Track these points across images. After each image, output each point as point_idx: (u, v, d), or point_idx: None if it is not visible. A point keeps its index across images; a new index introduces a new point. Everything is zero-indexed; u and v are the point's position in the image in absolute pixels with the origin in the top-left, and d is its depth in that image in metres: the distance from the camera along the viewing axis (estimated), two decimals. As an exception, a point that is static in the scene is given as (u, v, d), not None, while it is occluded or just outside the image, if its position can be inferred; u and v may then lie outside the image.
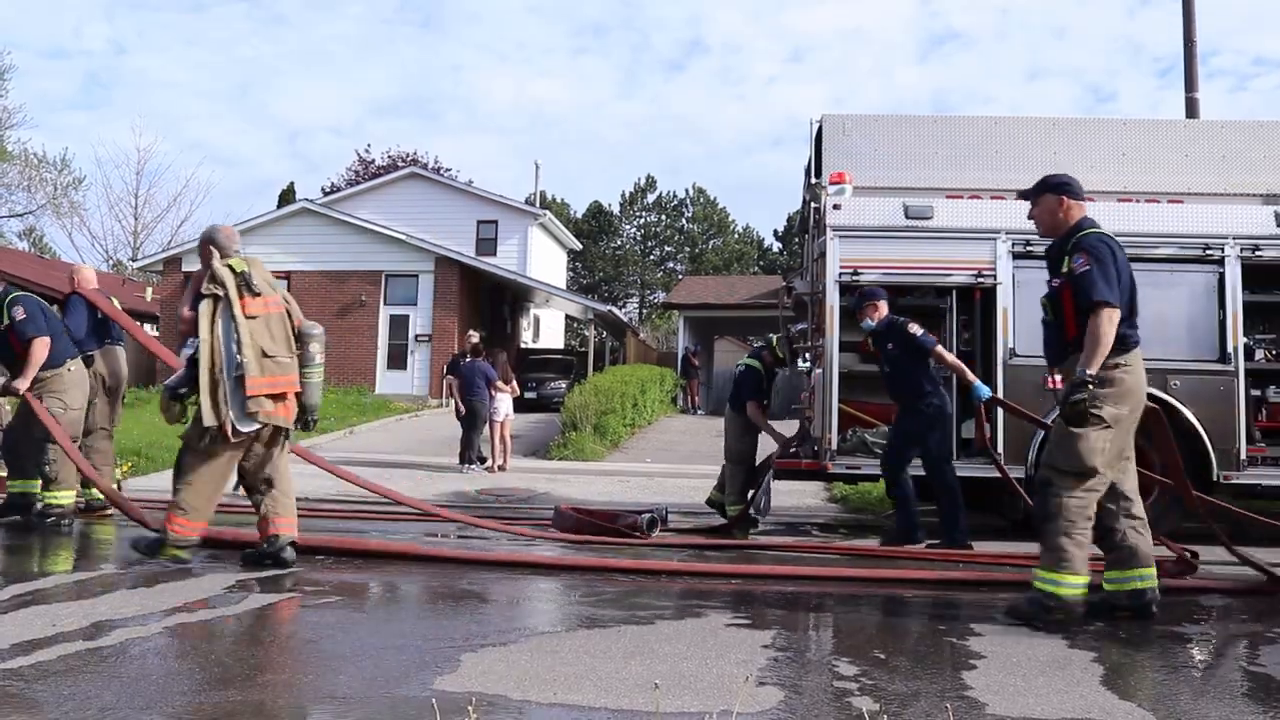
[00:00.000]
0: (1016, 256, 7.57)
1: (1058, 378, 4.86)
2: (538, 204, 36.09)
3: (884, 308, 7.15)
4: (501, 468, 12.56)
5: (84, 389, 7.09)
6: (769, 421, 8.19)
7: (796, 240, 13.37)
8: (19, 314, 6.83)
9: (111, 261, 40.68)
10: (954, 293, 7.71)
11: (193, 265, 24.42)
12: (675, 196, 63.62)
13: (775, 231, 61.05)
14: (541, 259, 31.82)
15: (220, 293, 5.32)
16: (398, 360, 24.12)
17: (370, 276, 24.13)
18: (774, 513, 8.77)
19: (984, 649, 3.97)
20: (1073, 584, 4.38)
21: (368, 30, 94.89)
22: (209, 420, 5.21)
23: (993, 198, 7.86)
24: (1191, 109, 12.73)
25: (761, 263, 59.42)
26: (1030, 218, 4.92)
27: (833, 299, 7.68)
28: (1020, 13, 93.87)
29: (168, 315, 24.36)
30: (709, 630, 4.20)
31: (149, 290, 28.10)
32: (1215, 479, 7.25)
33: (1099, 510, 4.56)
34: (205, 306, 5.32)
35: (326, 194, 37.07)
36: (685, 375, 27.38)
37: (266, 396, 5.34)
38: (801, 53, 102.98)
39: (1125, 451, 4.58)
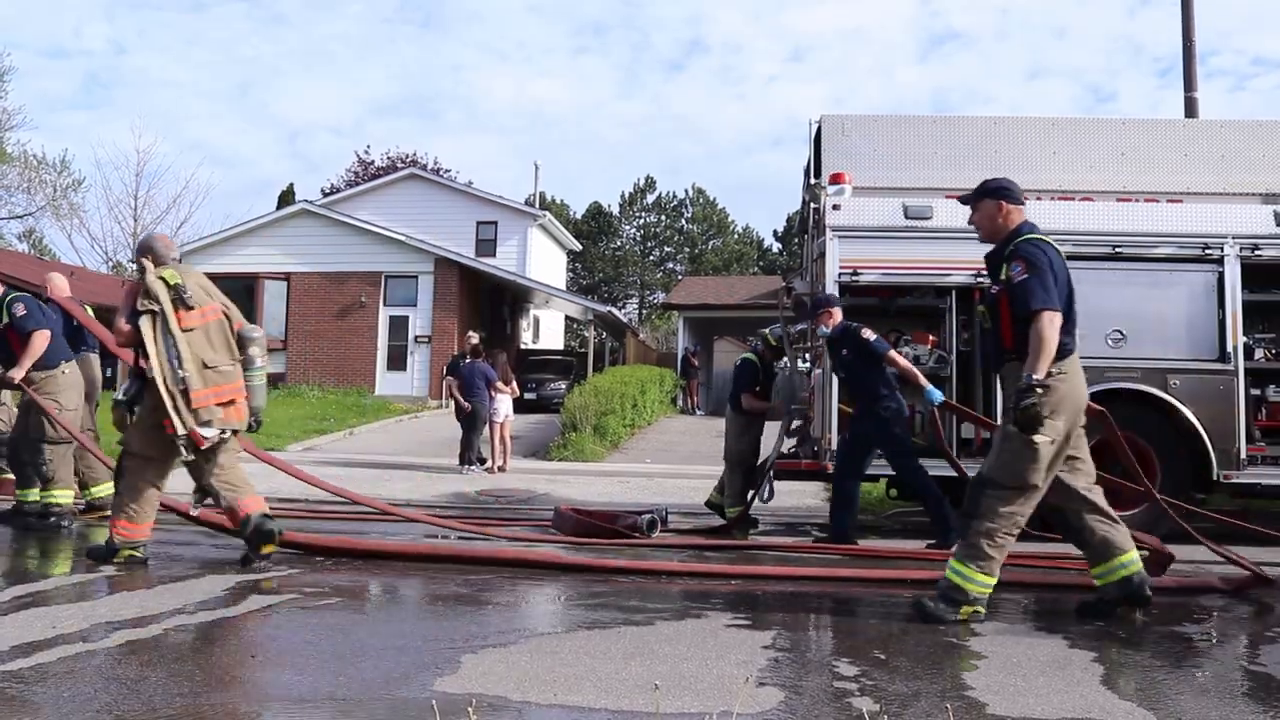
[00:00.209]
0: (1016, 256, 7.55)
1: None
2: (537, 205, 36.10)
3: (838, 314, 7.29)
4: (501, 468, 12.56)
5: (79, 390, 7.14)
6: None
7: (796, 241, 13.38)
8: (19, 310, 6.89)
9: (111, 263, 40.66)
10: (953, 293, 7.71)
11: (193, 267, 24.43)
12: (675, 197, 63.68)
13: (775, 232, 61.13)
14: (541, 260, 31.83)
15: (156, 308, 5.39)
16: (397, 361, 24.12)
17: (370, 277, 24.14)
18: (774, 513, 8.77)
19: (984, 649, 3.97)
20: (982, 583, 4.41)
21: (368, 30, 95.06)
22: (180, 430, 5.31)
23: (992, 198, 7.85)
24: (1191, 109, 12.74)
25: (761, 263, 59.45)
26: (970, 223, 4.92)
27: (832, 299, 7.67)
28: (1020, 12, 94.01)
29: (167, 317, 24.37)
30: (709, 631, 4.20)
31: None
32: (1215, 478, 7.25)
33: (1066, 514, 4.59)
34: (146, 323, 5.40)
35: (326, 195, 37.08)
36: (685, 376, 27.38)
37: (215, 404, 5.43)
38: (802, 52, 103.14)
39: (1071, 452, 4.56)
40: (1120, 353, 7.41)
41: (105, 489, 7.23)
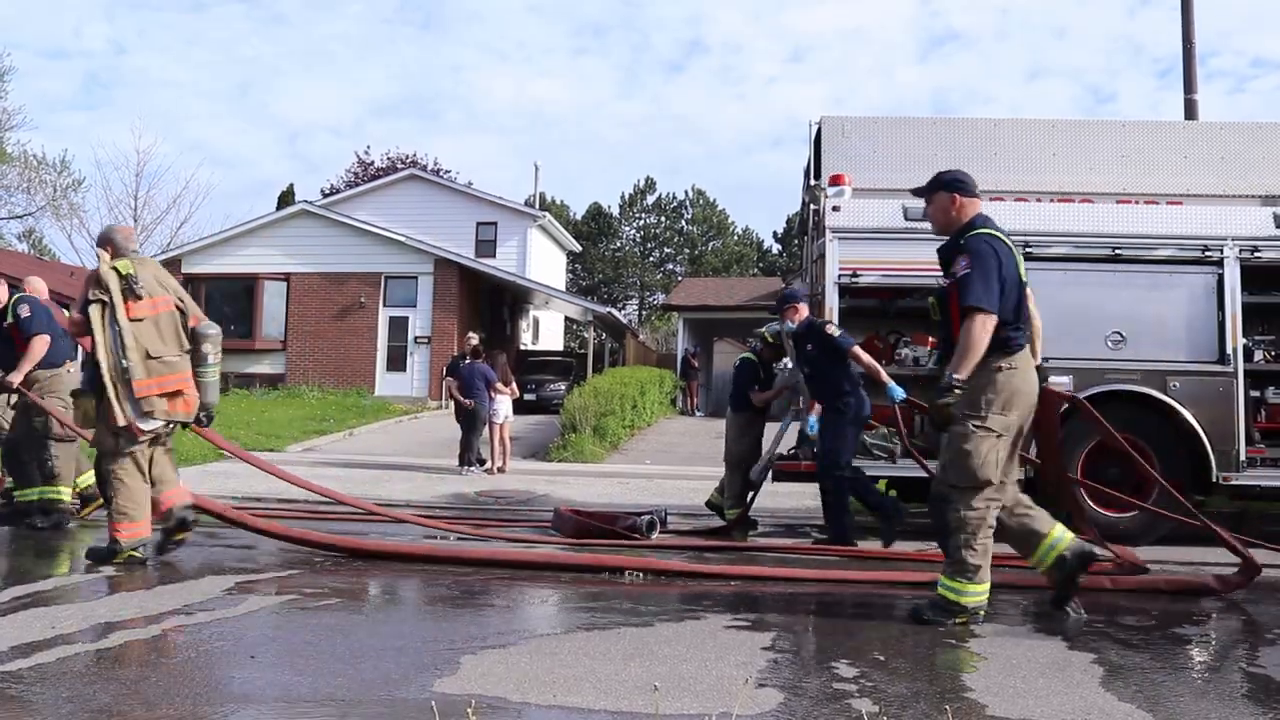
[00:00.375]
0: (1016, 258, 7.56)
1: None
2: (537, 205, 36.10)
3: (804, 310, 7.40)
4: (501, 469, 12.56)
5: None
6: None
7: (796, 242, 13.36)
8: (24, 311, 6.98)
9: (111, 263, 40.65)
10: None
11: (193, 267, 24.47)
12: (675, 198, 63.70)
13: (775, 233, 61.13)
14: (541, 261, 31.83)
15: (105, 298, 5.44)
16: (397, 362, 24.12)
17: (370, 278, 24.14)
18: (773, 515, 8.78)
19: (984, 650, 3.97)
20: (975, 592, 4.39)
21: (368, 30, 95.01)
22: (119, 420, 5.36)
23: (992, 199, 7.83)
24: (1191, 110, 12.74)
25: (761, 264, 59.46)
26: (924, 216, 4.91)
27: (832, 301, 7.67)
28: (1020, 13, 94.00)
29: (167, 317, 24.37)
30: (708, 632, 4.20)
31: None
32: (1215, 480, 7.24)
33: (940, 504, 4.57)
34: (94, 312, 5.45)
35: (326, 195, 37.08)
36: (685, 377, 27.38)
37: (158, 396, 5.47)
38: (801, 53, 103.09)
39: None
40: (1120, 354, 7.42)
41: (87, 477, 7.28)
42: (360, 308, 23.98)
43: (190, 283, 24.24)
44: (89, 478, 7.24)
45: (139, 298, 5.48)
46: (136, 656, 3.59)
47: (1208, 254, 7.45)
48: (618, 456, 15.03)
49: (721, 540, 7.40)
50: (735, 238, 62.80)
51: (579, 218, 60.99)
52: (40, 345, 6.91)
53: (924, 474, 6.65)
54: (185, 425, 5.80)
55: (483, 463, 12.66)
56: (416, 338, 24.09)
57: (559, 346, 37.33)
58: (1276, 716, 3.16)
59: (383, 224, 25.22)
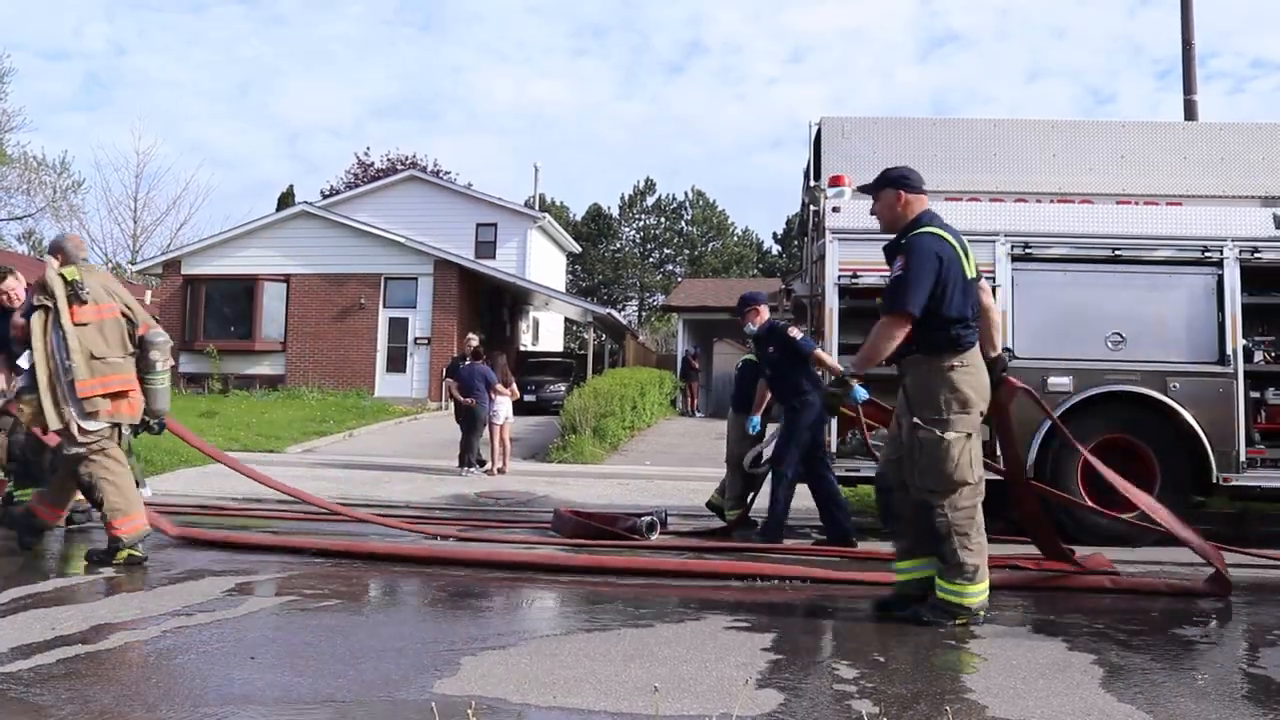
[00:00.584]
0: (1015, 259, 7.57)
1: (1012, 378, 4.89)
2: (537, 207, 36.11)
3: (765, 312, 7.53)
4: (501, 470, 12.55)
5: None
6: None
7: (796, 243, 13.37)
8: None
9: (111, 265, 40.65)
10: (953, 295, 7.70)
11: (192, 269, 24.49)
12: (674, 199, 63.73)
13: (774, 234, 61.15)
14: (541, 262, 31.83)
15: (50, 304, 5.52)
16: (397, 363, 24.11)
17: (369, 279, 24.13)
18: (765, 514, 8.75)
19: (984, 651, 3.97)
20: (975, 592, 4.39)
21: (368, 31, 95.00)
22: (53, 424, 5.44)
23: (991, 200, 7.87)
24: (1190, 111, 12.75)
25: (761, 265, 59.47)
26: (871, 213, 4.94)
27: (832, 302, 7.68)
28: (1020, 13, 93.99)
29: (167, 318, 24.37)
30: (708, 633, 4.20)
31: (148, 294, 28.09)
32: (1215, 481, 7.25)
33: (900, 501, 4.60)
34: (36, 319, 5.53)
35: (326, 197, 37.08)
36: (685, 378, 27.38)
37: (102, 396, 5.52)
38: (801, 53, 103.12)
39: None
40: (1120, 355, 7.42)
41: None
42: (360, 309, 23.98)
43: (190, 284, 24.30)
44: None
45: (84, 303, 5.56)
46: (137, 658, 3.59)
47: (1207, 255, 7.46)
48: (618, 457, 15.02)
49: (722, 541, 7.40)
50: (735, 239, 62.82)
51: (579, 219, 61.01)
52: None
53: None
54: (137, 432, 5.92)
55: (483, 464, 12.65)
56: (416, 339, 24.09)
57: (559, 348, 37.32)
58: (1277, 718, 3.16)
59: (383, 225, 25.22)
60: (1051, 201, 7.85)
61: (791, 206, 10.15)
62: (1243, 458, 7.29)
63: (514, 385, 13.47)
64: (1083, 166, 8.10)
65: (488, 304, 26.92)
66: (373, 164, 44.22)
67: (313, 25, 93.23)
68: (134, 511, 5.60)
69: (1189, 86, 12.83)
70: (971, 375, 4.44)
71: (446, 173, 42.29)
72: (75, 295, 5.53)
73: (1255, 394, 7.53)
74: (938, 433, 4.35)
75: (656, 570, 5.74)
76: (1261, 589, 5.75)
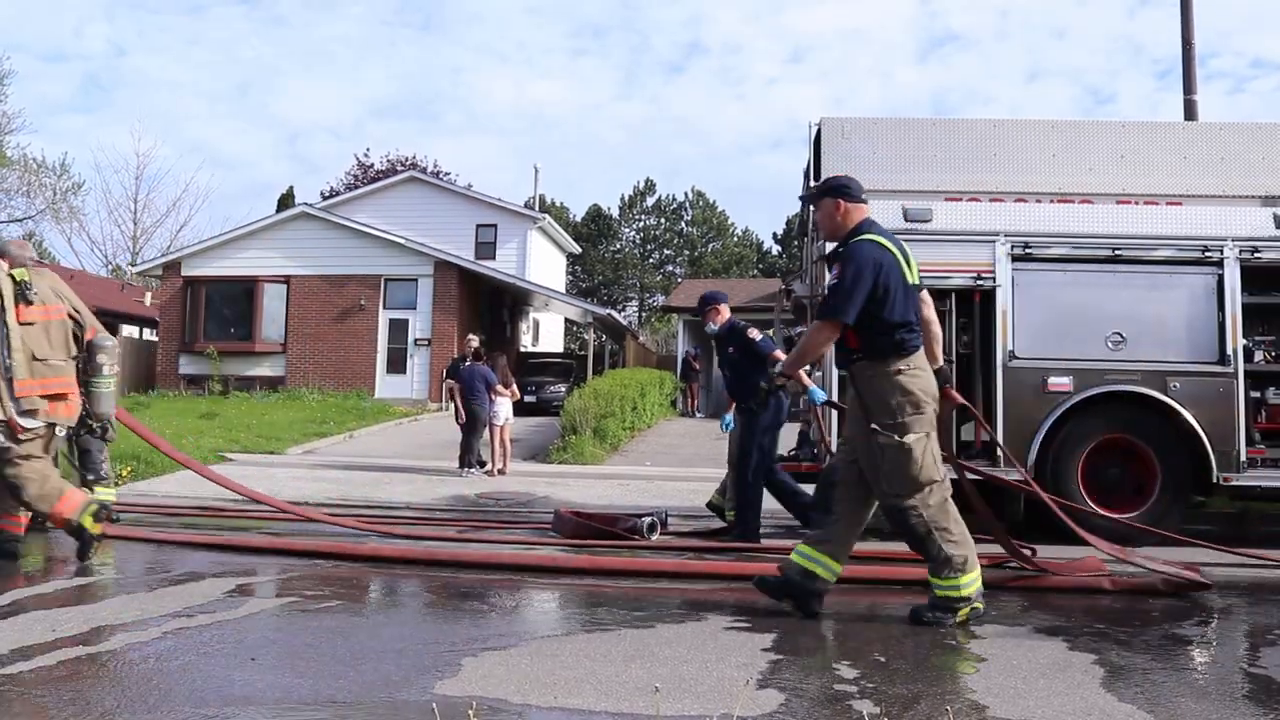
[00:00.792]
0: (1016, 259, 7.57)
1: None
2: (537, 207, 36.12)
3: (725, 311, 7.53)
4: (501, 471, 12.55)
5: None
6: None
7: (796, 243, 13.36)
8: None
9: (111, 266, 40.72)
10: (953, 295, 7.71)
11: (192, 270, 24.48)
12: (674, 200, 63.74)
13: (774, 234, 61.10)
14: (541, 263, 31.84)
15: None
16: (397, 364, 24.11)
17: (369, 280, 24.14)
18: (774, 515, 8.75)
19: (984, 651, 3.97)
20: (968, 581, 4.40)
21: (367, 31, 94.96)
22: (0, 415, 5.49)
23: (992, 200, 7.87)
24: (1190, 111, 12.74)
25: (761, 266, 59.47)
26: (813, 223, 4.96)
27: (832, 302, 7.68)
28: (1020, 13, 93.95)
29: (167, 320, 24.38)
30: (709, 633, 4.20)
31: (148, 295, 28.11)
32: (1215, 481, 7.25)
33: (830, 493, 4.63)
34: None
35: (326, 198, 37.11)
36: (685, 378, 27.37)
37: (40, 396, 5.56)
38: (801, 53, 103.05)
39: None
40: (1120, 355, 7.42)
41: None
42: (360, 310, 23.98)
43: (190, 285, 24.30)
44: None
45: (30, 303, 5.60)
46: (138, 659, 3.59)
47: (1208, 254, 7.46)
48: (618, 458, 15.02)
49: (722, 541, 7.40)
50: (735, 239, 62.82)
51: (579, 219, 61.03)
52: None
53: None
54: (79, 434, 6.00)
55: (483, 465, 12.66)
56: (416, 340, 24.09)
57: (559, 348, 37.33)
58: (1277, 717, 3.16)
59: (383, 226, 25.22)
60: (1051, 201, 7.85)
61: (791, 207, 10.15)
62: (1243, 457, 7.29)
63: (514, 386, 13.47)
64: (1083, 166, 8.09)
65: (488, 305, 26.93)
66: (372, 165, 44.26)
67: (312, 26, 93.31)
68: (64, 490, 5.64)
69: (1189, 86, 12.82)
70: (919, 378, 4.47)
71: (446, 174, 42.34)
72: (22, 295, 5.59)
73: (1255, 394, 7.54)
74: (897, 437, 4.37)
75: (657, 571, 5.74)
76: (1261, 588, 5.75)
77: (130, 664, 3.53)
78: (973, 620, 4.41)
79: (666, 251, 63.20)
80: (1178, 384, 7.33)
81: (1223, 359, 7.37)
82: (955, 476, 5.46)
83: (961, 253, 7.65)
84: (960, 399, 5.00)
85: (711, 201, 63.28)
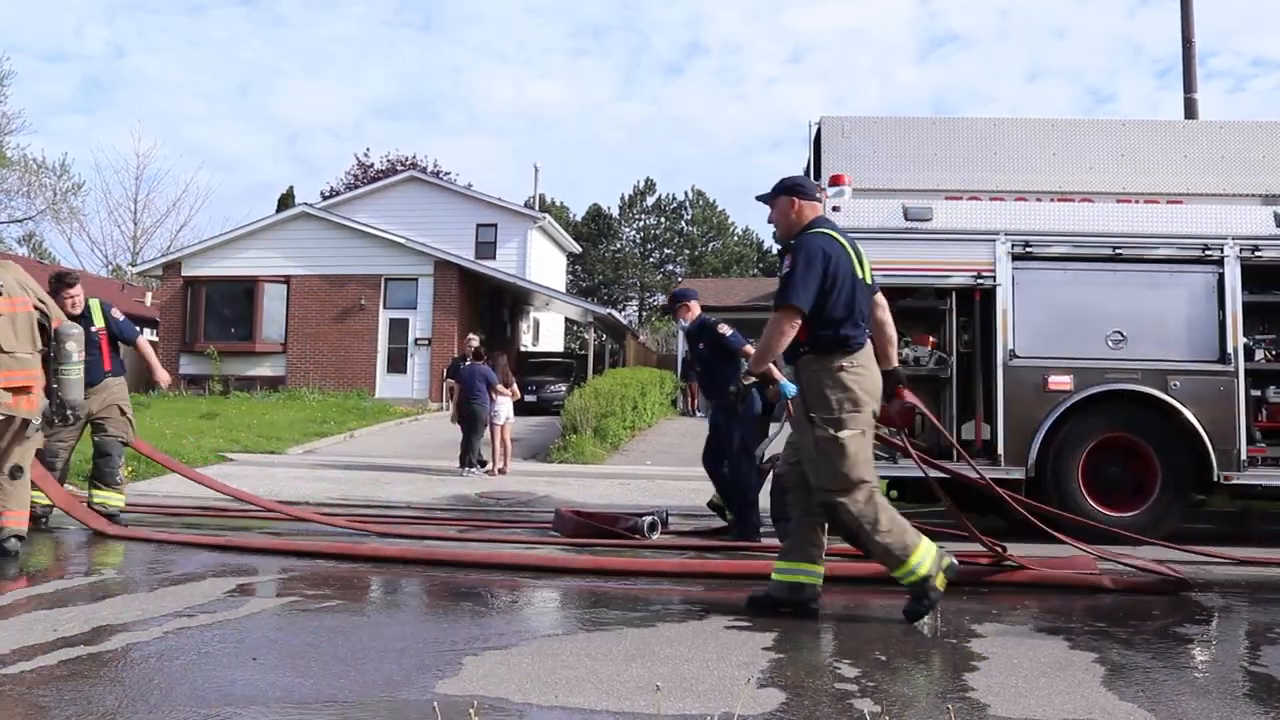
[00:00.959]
0: (1016, 258, 7.57)
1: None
2: (537, 207, 36.11)
3: (695, 308, 7.60)
4: (502, 471, 12.56)
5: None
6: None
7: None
8: (118, 314, 7.65)
9: (111, 267, 40.68)
10: (954, 294, 7.71)
11: (193, 270, 24.49)
12: (674, 199, 63.72)
13: (774, 234, 61.00)
14: (541, 262, 31.83)
15: None
16: (397, 364, 24.11)
17: (370, 280, 24.14)
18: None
19: (985, 650, 3.97)
20: (919, 560, 4.39)
21: (367, 32, 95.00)
22: None
23: (992, 199, 7.87)
24: (1190, 110, 12.73)
25: (761, 265, 59.43)
26: (769, 221, 5.00)
27: (832, 301, 7.68)
28: (1020, 13, 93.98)
29: (168, 320, 24.38)
30: (710, 632, 4.20)
31: (148, 295, 28.10)
32: (1216, 479, 7.24)
33: (783, 495, 4.69)
34: None
35: (326, 198, 37.09)
36: (686, 378, 27.32)
37: (4, 389, 5.58)
38: (801, 53, 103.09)
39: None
40: (1120, 354, 7.42)
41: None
42: (360, 310, 23.98)
43: (190, 286, 24.31)
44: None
45: None
46: (139, 659, 3.59)
47: (1208, 253, 7.45)
48: (618, 457, 15.02)
49: (723, 541, 7.40)
50: (735, 238, 62.79)
51: (579, 219, 61.01)
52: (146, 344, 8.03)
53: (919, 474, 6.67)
54: (52, 423, 6.06)
55: (483, 464, 12.66)
56: (417, 339, 24.09)
57: (559, 348, 37.33)
58: (1278, 716, 3.16)
59: (383, 226, 25.22)
60: (1052, 200, 7.85)
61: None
62: (1243, 456, 7.29)
63: (514, 385, 13.48)
64: (1083, 165, 8.09)
65: (488, 304, 26.92)
66: (372, 165, 44.25)
67: (312, 26, 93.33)
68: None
69: (1189, 85, 12.81)
70: (862, 376, 4.47)
71: (446, 173, 42.32)
72: None
73: (1256, 392, 7.53)
74: (832, 431, 4.39)
75: (658, 571, 5.75)
76: (1262, 588, 5.75)
77: (131, 664, 3.53)
78: (948, 575, 4.43)
79: (667, 251, 63.18)
80: (1178, 383, 7.33)
81: (1223, 358, 7.37)
82: (922, 474, 5.54)
83: (962, 251, 7.65)
84: (912, 399, 4.99)
85: (711, 201, 63.26)
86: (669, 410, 24.19)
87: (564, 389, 22.56)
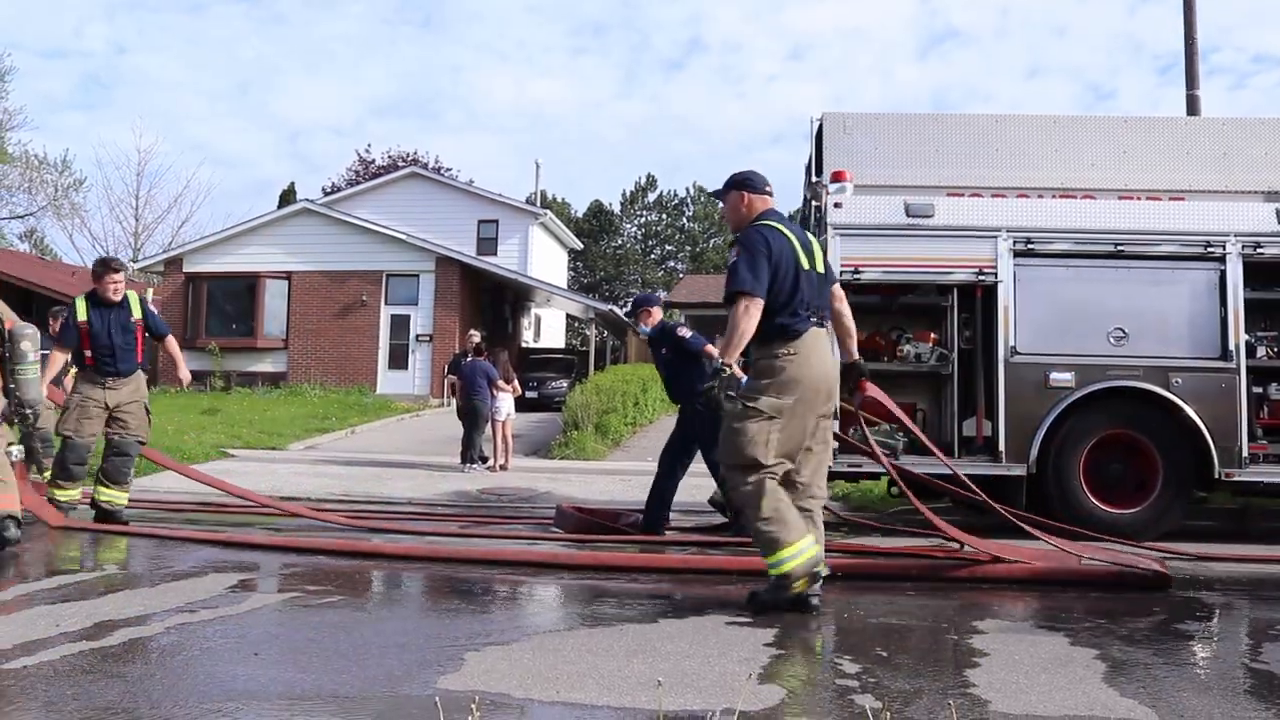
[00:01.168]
0: (1018, 254, 7.57)
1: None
2: (538, 203, 36.09)
3: (657, 314, 7.70)
4: (503, 467, 12.56)
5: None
6: None
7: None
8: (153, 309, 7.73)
9: (112, 263, 40.59)
10: (955, 291, 7.71)
11: (194, 266, 24.50)
12: (675, 195, 63.67)
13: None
14: (542, 258, 31.82)
15: None
16: (399, 360, 24.12)
17: (371, 276, 24.14)
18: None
19: (986, 646, 3.97)
20: (791, 554, 4.40)
21: (368, 30, 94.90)
22: None
23: (994, 195, 7.86)
24: (1192, 106, 12.71)
25: (762, 262, 59.30)
26: (720, 216, 5.04)
27: (834, 297, 7.67)
28: (1020, 11, 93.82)
29: (169, 316, 24.36)
30: (711, 628, 4.20)
31: (150, 291, 28.08)
32: (1217, 476, 7.24)
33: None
34: None
35: (327, 194, 37.09)
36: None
37: None
38: (801, 51, 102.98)
39: (806, 441, 4.54)
40: (1122, 350, 7.42)
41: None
42: (362, 306, 23.99)
43: (192, 282, 24.31)
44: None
45: None
46: (140, 654, 3.59)
47: (1210, 250, 7.45)
48: (620, 454, 15.03)
49: (724, 537, 7.40)
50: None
51: (580, 215, 60.98)
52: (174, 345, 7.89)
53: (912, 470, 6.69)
54: (12, 423, 6.06)
55: (485, 460, 12.67)
56: (418, 336, 24.10)
57: (561, 344, 37.31)
58: (1279, 713, 3.16)
59: (384, 222, 25.22)
60: (1053, 197, 7.84)
61: (793, 202, 10.10)
62: (1245, 453, 7.29)
63: (516, 382, 13.48)
64: (1085, 162, 8.08)
65: (489, 300, 26.92)
66: (374, 161, 44.23)
67: (313, 24, 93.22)
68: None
69: (1191, 81, 12.79)
70: (798, 364, 4.47)
71: (448, 169, 42.31)
72: None
73: (1258, 389, 7.54)
74: (741, 405, 4.44)
75: (659, 567, 5.75)
76: (1263, 585, 5.75)
77: (134, 659, 3.53)
78: (813, 583, 4.43)
79: (668, 247, 63.16)
80: (1180, 379, 7.32)
81: (1225, 354, 7.36)
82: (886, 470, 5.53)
83: (963, 248, 7.64)
84: (875, 392, 4.99)
85: (713, 197, 63.19)
86: (671, 407, 24.14)
87: (565, 385, 22.57)
